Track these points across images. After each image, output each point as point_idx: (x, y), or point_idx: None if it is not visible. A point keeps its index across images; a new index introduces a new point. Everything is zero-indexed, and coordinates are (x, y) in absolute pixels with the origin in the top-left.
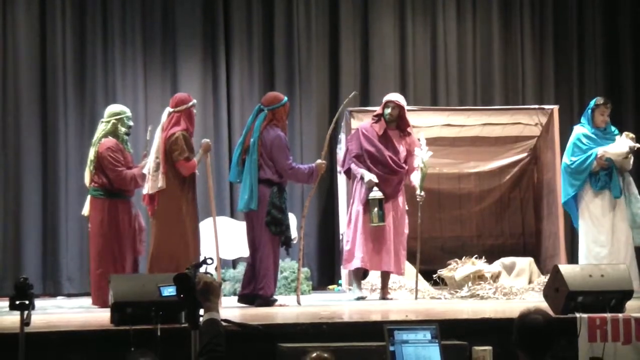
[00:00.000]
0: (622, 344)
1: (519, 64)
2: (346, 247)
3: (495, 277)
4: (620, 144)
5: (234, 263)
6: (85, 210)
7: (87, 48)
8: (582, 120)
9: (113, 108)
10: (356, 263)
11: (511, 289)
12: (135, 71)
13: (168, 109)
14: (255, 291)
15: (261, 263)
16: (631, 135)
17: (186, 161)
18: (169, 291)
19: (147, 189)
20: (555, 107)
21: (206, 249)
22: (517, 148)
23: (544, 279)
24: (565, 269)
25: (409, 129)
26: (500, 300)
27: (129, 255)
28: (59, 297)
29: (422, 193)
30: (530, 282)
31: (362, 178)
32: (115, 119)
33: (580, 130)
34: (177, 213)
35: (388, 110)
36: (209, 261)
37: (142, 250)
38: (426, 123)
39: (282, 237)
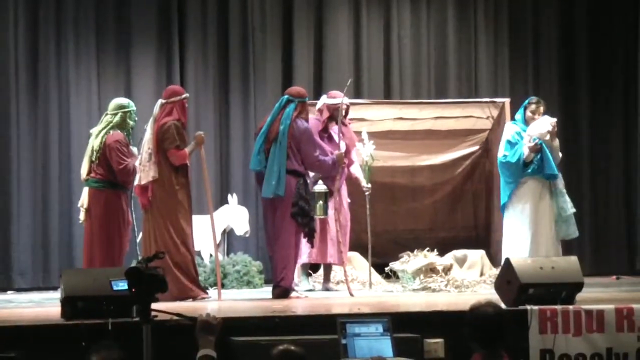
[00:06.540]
0: (572, 335)
1: (473, 57)
2: None
3: (447, 270)
4: (541, 123)
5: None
6: (84, 202)
7: (40, 41)
8: (516, 117)
9: (120, 101)
10: (303, 258)
11: (463, 282)
12: (89, 65)
13: (160, 101)
14: (276, 282)
15: (281, 253)
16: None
17: (177, 150)
18: (121, 285)
19: (138, 179)
20: (507, 100)
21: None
22: (469, 141)
23: (496, 271)
24: (517, 261)
25: (346, 121)
26: (451, 293)
27: (124, 248)
28: (9, 292)
29: (369, 185)
30: (481, 274)
31: None
32: (123, 112)
33: (512, 127)
34: (172, 203)
35: (341, 113)
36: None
37: (127, 245)
38: (379, 116)
39: (306, 229)
